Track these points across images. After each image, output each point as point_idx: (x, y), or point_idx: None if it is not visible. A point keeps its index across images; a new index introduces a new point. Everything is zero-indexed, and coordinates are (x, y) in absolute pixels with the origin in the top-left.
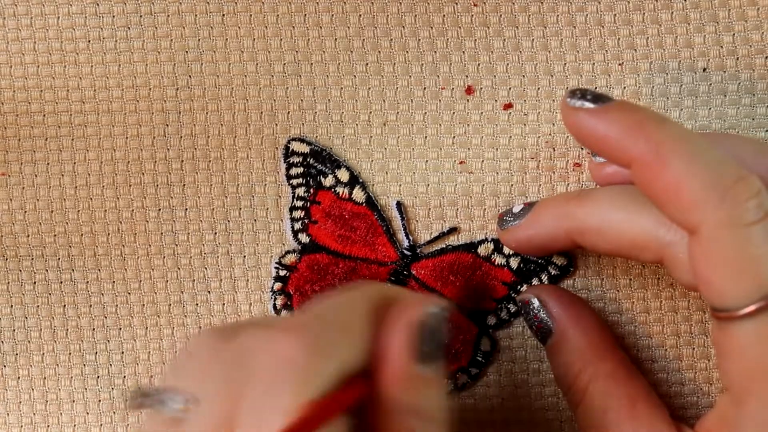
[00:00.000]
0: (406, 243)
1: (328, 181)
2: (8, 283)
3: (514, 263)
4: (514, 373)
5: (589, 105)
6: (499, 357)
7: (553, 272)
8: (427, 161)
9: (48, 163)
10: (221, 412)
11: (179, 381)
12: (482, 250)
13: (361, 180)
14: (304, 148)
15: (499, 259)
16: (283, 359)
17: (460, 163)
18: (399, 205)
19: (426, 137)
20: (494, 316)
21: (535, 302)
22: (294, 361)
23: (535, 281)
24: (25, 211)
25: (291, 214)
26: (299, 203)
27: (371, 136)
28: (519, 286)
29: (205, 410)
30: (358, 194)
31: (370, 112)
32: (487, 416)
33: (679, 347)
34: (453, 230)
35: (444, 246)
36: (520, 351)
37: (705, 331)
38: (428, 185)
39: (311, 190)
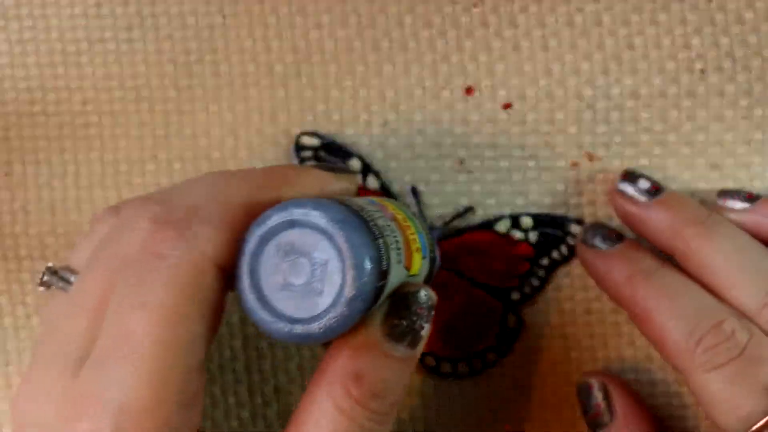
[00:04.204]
0: None
1: None
2: (10, 283)
3: (533, 237)
4: (514, 372)
5: (600, 245)
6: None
7: (571, 243)
8: (426, 161)
9: (50, 164)
10: (96, 291)
11: (74, 256)
12: (500, 226)
13: (373, 169)
14: (315, 142)
15: (518, 235)
16: (152, 255)
17: (459, 162)
18: (414, 189)
19: (426, 137)
20: (518, 292)
21: (600, 395)
22: (162, 257)
23: (554, 253)
24: (27, 212)
25: None
26: None
27: (371, 136)
28: (540, 260)
29: (81, 288)
30: (371, 182)
31: (370, 113)
32: (486, 416)
33: None
34: (469, 209)
35: (462, 227)
36: (519, 351)
37: None
38: (428, 184)
39: None
